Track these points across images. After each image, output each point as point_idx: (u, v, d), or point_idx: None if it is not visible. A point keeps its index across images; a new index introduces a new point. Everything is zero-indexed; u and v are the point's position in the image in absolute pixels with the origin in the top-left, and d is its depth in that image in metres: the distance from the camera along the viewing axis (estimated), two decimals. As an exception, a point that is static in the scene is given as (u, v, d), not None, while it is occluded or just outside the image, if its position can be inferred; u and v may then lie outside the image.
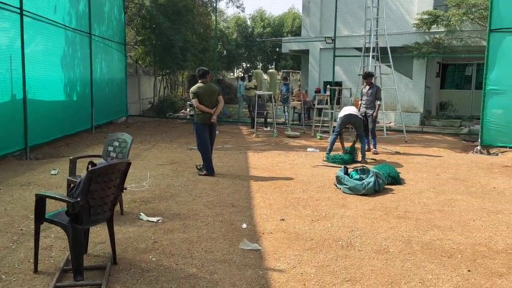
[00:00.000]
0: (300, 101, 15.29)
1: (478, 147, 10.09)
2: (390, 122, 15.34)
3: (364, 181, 5.94)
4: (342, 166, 6.69)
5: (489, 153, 9.92)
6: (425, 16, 14.71)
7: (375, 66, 12.11)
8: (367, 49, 12.32)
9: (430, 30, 14.97)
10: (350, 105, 11.01)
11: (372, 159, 8.63)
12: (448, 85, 18.62)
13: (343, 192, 5.97)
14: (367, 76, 9.57)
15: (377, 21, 12.41)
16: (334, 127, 8.61)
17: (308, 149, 9.79)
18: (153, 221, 4.74)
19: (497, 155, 9.69)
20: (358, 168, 6.40)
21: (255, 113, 12.96)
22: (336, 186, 6.22)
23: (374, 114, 9.36)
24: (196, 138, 7.16)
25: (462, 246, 4.11)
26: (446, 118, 16.33)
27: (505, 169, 7.75)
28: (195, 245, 4.11)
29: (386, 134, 12.17)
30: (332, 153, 8.46)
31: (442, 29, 14.80)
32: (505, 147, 9.93)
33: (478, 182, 6.65)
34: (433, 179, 6.90)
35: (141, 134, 12.03)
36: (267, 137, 12.18)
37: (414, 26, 15.24)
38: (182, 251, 3.96)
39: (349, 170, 6.38)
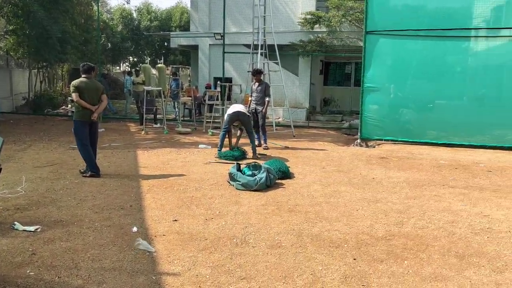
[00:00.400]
0: (191, 96, 15.11)
1: (358, 140, 10.86)
2: (279, 118, 15.87)
3: (256, 177, 6.02)
4: (235, 162, 6.72)
5: (367, 146, 10.73)
6: (309, 16, 15.45)
7: (263, 63, 12.40)
8: (256, 46, 12.57)
9: (314, 30, 15.77)
10: (240, 101, 11.16)
11: (263, 154, 8.81)
12: (330, 82, 19.82)
13: (236, 188, 6.00)
14: (256, 73, 9.74)
15: (264, 19, 12.71)
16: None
17: (200, 146, 9.69)
18: (31, 231, 4.28)
19: (374, 147, 10.52)
20: (251, 164, 6.48)
21: (144, 109, 12.50)
22: (229, 183, 6.22)
23: (264, 110, 9.58)
24: (75, 137, 6.67)
25: (347, 235, 4.35)
26: (329, 113, 17.36)
27: (381, 160, 8.44)
28: (81, 254, 3.79)
29: (276, 129, 12.56)
30: (224, 150, 8.48)
31: (324, 29, 15.67)
32: (381, 139, 10.83)
33: (359, 174, 7.15)
34: (320, 172, 7.26)
35: (14, 133, 10.91)
36: (157, 134, 11.83)
37: (299, 25, 15.93)
38: (65, 262, 3.63)
39: (242, 167, 6.43)
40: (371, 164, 8.05)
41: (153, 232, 4.35)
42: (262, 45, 12.40)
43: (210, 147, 9.61)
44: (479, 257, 3.86)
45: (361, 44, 14.96)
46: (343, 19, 14.63)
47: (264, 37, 12.57)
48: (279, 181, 6.48)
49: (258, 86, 9.68)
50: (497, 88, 10.33)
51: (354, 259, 3.80)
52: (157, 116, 13.74)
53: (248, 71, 12.62)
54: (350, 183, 6.48)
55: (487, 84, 10.26)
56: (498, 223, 4.73)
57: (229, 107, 9.25)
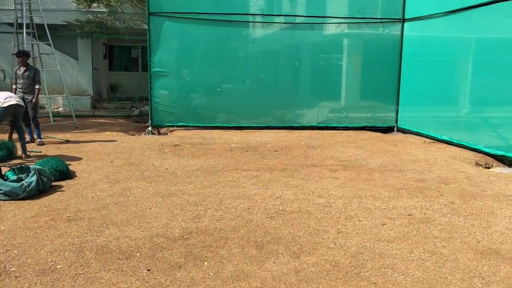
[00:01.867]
0: None
1: (149, 128, 10.27)
2: (58, 107, 14.08)
3: (23, 181, 4.88)
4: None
5: (160, 133, 10.25)
6: (86, -6, 13.96)
7: (32, 45, 10.62)
8: (20, 26, 10.66)
9: (91, 9, 14.34)
10: (7, 89, 9.30)
11: (37, 152, 7.46)
12: (116, 67, 18.55)
13: (-3, 199, 4.77)
14: (22, 55, 8.16)
15: (30, -7, 10.85)
16: None
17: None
18: None
19: (166, 134, 10.10)
20: (15, 166, 5.24)
21: None
22: (-13, 192, 4.91)
23: (34, 100, 8.12)
24: None
25: (140, 241, 3.76)
26: (117, 100, 16.22)
27: (175, 148, 8.04)
28: None
29: (54, 120, 10.98)
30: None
31: (103, 9, 14.39)
32: (173, 126, 10.48)
33: (151, 165, 6.59)
34: (107, 167, 6.44)
35: None
36: None
37: (73, 2, 14.27)
38: None
39: (4, 171, 5.16)
40: (163, 153, 7.58)
41: None
42: (28, 24, 10.57)
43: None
44: (276, 243, 3.74)
45: (145, 26, 14.39)
46: (124, -1, 13.65)
47: (31, 14, 10.73)
48: (57, 183, 5.45)
49: (25, 71, 8.13)
50: (275, 72, 11.08)
51: (148, 270, 3.25)
52: None
53: (12, 54, 10.63)
54: (142, 177, 5.87)
55: (266, 69, 10.91)
56: (289, 204, 4.79)
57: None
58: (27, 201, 4.74)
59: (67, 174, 5.74)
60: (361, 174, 6.12)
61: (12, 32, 11.68)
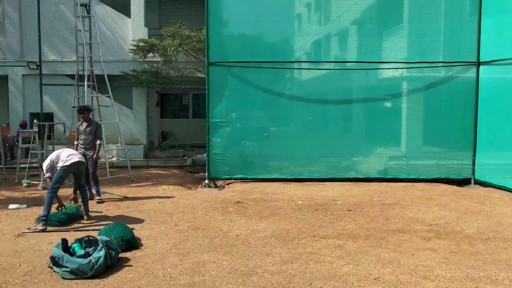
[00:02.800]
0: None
1: (206, 181, 9.84)
2: (112, 157, 14.02)
3: (91, 257, 4.43)
4: (60, 239, 4.90)
5: (216, 186, 9.79)
6: (142, 44, 14.14)
7: (91, 97, 10.61)
8: (81, 78, 10.71)
9: (147, 59, 14.49)
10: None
11: (97, 211, 7.11)
12: (167, 114, 18.63)
13: (63, 277, 4.31)
14: (84, 110, 8.01)
15: (90, 46, 10.96)
16: (48, 177, 6.53)
17: (11, 207, 7.45)
18: None
19: (224, 187, 9.64)
20: (83, 238, 4.81)
21: None
22: (53, 269, 4.49)
23: (95, 156, 7.88)
24: None
25: None
26: (169, 148, 16.10)
27: (238, 207, 7.52)
28: None
29: (110, 173, 10.78)
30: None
31: (158, 58, 14.50)
32: (230, 178, 10.03)
33: (220, 230, 6.04)
34: (173, 232, 5.95)
35: None
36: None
37: (130, 52, 14.47)
38: None
39: (70, 243, 4.75)
40: (228, 213, 7.05)
41: None
42: (89, 76, 10.60)
43: (25, 206, 7.51)
44: None
45: (199, 75, 14.35)
46: (179, 48, 13.67)
47: (91, 67, 10.79)
48: (123, 254, 4.98)
49: (87, 127, 7.95)
50: (330, 117, 10.51)
51: None
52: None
53: (73, 107, 10.65)
54: (213, 247, 5.32)
55: (321, 114, 10.46)
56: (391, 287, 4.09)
57: (51, 150, 7.24)
58: (94, 281, 4.27)
59: (133, 244, 5.28)
60: (461, 245, 5.33)
61: (71, 85, 11.82)
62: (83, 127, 7.98)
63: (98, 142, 7.93)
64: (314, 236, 5.75)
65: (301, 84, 10.55)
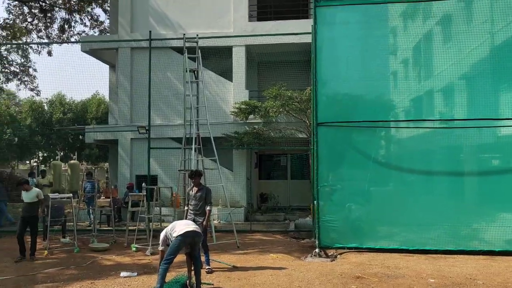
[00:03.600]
0: (109, 197, 12.67)
1: (317, 250, 9.03)
2: (214, 221, 13.76)
3: None
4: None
5: (327, 256, 8.94)
6: (243, 106, 14.20)
7: (197, 160, 10.55)
8: (188, 141, 10.76)
9: (248, 121, 14.47)
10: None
11: (208, 283, 6.63)
12: (265, 175, 18.35)
13: None
14: (195, 176, 7.78)
15: (197, 110, 11.09)
16: (161, 250, 6.32)
17: (123, 274, 7.26)
18: None
19: (336, 257, 8.80)
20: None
21: (49, 221, 9.81)
22: None
23: (205, 223, 7.53)
24: None
25: None
26: (268, 210, 15.60)
27: (360, 283, 6.62)
28: None
29: (215, 236, 10.40)
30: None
31: (259, 119, 14.42)
32: (343, 248, 9.15)
33: (349, 315, 5.22)
34: (295, 315, 5.23)
35: None
36: (66, 253, 9.27)
37: (232, 114, 14.58)
38: None
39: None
40: (352, 292, 6.20)
41: None
42: (195, 139, 10.61)
43: (135, 274, 7.28)
44: None
45: (300, 135, 13.96)
46: (281, 109, 13.47)
47: (198, 130, 10.83)
48: None
49: (197, 192, 7.68)
50: (450, 177, 9.36)
51: None
52: (66, 226, 11.01)
53: (179, 170, 10.65)
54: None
55: (442, 173, 9.33)
56: None
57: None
58: None
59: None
60: None
61: (177, 148, 11.97)
62: (193, 192, 7.72)
63: (208, 208, 7.60)
64: (469, 330, 4.69)
65: (411, 141, 9.62)
